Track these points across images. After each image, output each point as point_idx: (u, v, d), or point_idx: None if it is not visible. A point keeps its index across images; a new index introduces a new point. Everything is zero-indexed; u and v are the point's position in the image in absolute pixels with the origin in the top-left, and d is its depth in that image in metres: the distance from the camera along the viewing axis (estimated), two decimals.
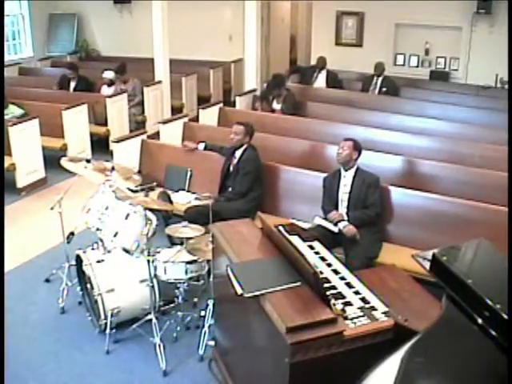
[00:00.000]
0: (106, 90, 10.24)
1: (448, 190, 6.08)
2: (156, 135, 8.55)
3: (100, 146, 9.65)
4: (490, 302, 2.45)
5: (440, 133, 7.97)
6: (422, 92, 10.54)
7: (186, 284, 5.00)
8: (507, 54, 9.89)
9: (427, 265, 3.01)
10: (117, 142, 7.39)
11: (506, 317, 2.35)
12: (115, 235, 4.84)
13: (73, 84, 10.54)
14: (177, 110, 10.81)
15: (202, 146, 6.92)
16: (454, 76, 11.79)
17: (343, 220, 5.43)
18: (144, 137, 7.60)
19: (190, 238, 4.89)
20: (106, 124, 9.70)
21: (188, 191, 6.80)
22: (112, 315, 4.81)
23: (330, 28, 12.67)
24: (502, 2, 10.87)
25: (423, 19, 11.57)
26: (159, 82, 10.48)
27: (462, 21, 11.35)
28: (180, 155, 7.02)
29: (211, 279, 4.59)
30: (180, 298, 5.04)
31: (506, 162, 6.78)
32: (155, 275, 4.86)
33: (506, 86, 10.97)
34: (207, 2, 12.94)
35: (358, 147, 5.64)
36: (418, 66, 12.15)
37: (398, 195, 5.75)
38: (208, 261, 4.72)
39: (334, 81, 10.91)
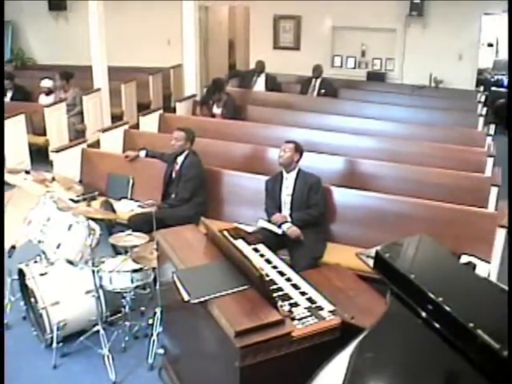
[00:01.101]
0: (44, 99, 10.02)
1: (390, 188, 6.20)
2: (96, 144, 8.42)
3: (39, 156, 9.43)
4: (432, 296, 2.49)
5: (378, 132, 8.11)
6: (359, 93, 10.72)
7: (132, 293, 4.93)
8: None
9: (371, 262, 3.04)
10: (56, 151, 7.24)
11: (448, 309, 2.39)
12: (58, 247, 4.75)
13: (9, 94, 10.27)
14: (117, 118, 10.66)
15: (143, 153, 6.85)
16: (390, 76, 12.07)
17: (287, 222, 5.46)
18: (84, 146, 7.47)
19: (135, 247, 4.84)
20: (44, 134, 9.49)
21: (131, 199, 6.72)
22: (58, 329, 4.71)
23: (267, 32, 12.77)
24: (432, 4, 11.22)
25: (359, 22, 11.82)
26: (98, 89, 10.33)
27: (396, 23, 11.64)
28: (121, 163, 6.93)
29: (158, 287, 4.55)
30: (127, 307, 4.97)
31: (442, 158, 6.98)
32: (101, 285, 4.79)
33: (441, 85, 11.29)
34: (144, 7, 12.86)
35: (299, 149, 5.68)
36: (355, 68, 12.39)
37: (339, 195, 5.82)
38: (154, 268, 4.67)
39: (273, 84, 10.97)
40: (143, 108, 10.80)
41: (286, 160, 5.62)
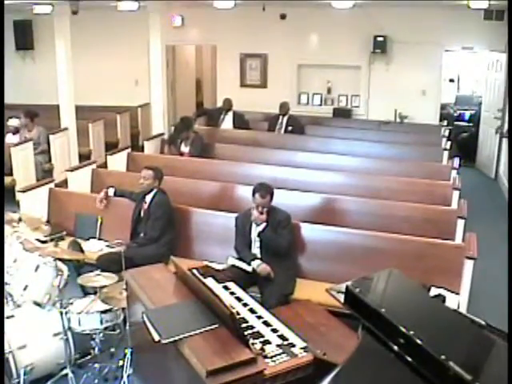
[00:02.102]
0: (11, 139, 9.93)
1: (358, 222, 6.25)
2: (64, 183, 8.34)
3: (6, 196, 9.29)
4: (403, 330, 2.50)
5: (346, 168, 8.16)
6: (326, 129, 10.86)
7: (101, 334, 4.85)
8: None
9: (341, 297, 3.05)
10: (23, 191, 7.15)
11: (420, 342, 2.40)
12: (25, 288, 4.68)
13: None
14: (84, 157, 10.61)
15: (111, 191, 6.79)
16: (356, 112, 12.25)
17: (256, 258, 5.45)
18: (52, 185, 7.39)
19: (104, 287, 4.78)
20: (11, 173, 9.39)
21: (99, 239, 6.65)
22: (25, 373, 4.58)
23: (234, 70, 12.90)
24: (395, 42, 11.50)
25: (324, 59, 12.03)
26: (65, 128, 10.29)
27: (361, 60, 11.88)
28: (89, 203, 6.87)
29: (127, 327, 4.49)
30: (96, 349, 4.88)
31: (409, 192, 7.06)
32: (69, 327, 4.71)
33: (405, 120, 11.49)
34: (112, 47, 12.91)
35: (272, 194, 5.64)
36: (321, 105, 12.55)
37: (308, 231, 5.84)
38: (123, 309, 4.62)
39: (240, 121, 11.03)
40: (111, 147, 10.76)
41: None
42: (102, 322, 4.71)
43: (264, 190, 5.50)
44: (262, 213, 5.48)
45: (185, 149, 9.21)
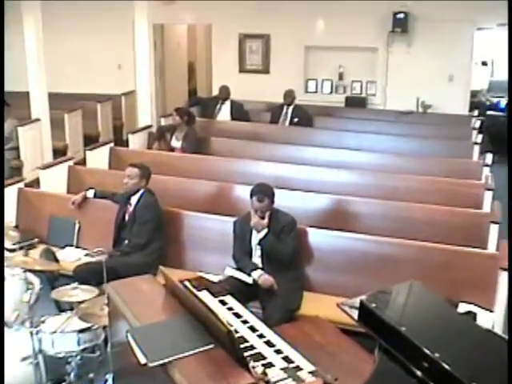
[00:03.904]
0: None
1: (375, 228, 6.24)
2: (35, 183, 8.34)
3: None
4: (427, 352, 2.49)
5: (360, 165, 8.17)
6: (337, 121, 10.86)
7: (78, 357, 4.83)
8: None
9: (355, 314, 3.05)
10: None
11: (446, 366, 2.39)
12: None
13: None
14: (59, 153, 10.61)
15: (91, 192, 6.80)
16: (372, 102, 12.25)
17: (258, 268, 5.45)
18: (21, 185, 7.39)
19: (82, 302, 4.77)
20: None
21: (77, 247, 6.65)
22: None
23: (232, 53, 12.91)
24: (418, 20, 11.42)
25: (336, 41, 12.00)
26: (37, 119, 10.25)
27: (378, 41, 11.84)
28: (65, 205, 6.85)
29: (109, 349, 4.47)
30: (72, 374, 4.85)
31: (434, 193, 7.05)
32: (40, 350, 4.68)
33: (429, 110, 11.45)
34: (91, 26, 12.93)
35: (272, 196, 5.63)
36: (331, 93, 12.57)
37: (317, 237, 5.83)
38: (104, 327, 4.61)
39: (239, 112, 11.03)
40: (91, 141, 10.77)
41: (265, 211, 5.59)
42: (79, 343, 4.69)
43: (261, 192, 5.48)
44: (262, 217, 5.47)
45: (176, 143, 9.21)
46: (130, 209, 6.19)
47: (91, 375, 5.09)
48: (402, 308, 3.17)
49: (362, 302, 2.98)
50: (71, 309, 4.92)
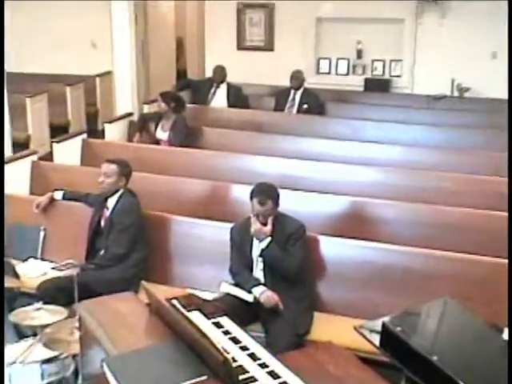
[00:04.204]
0: None
1: (399, 236, 6.26)
2: None
3: None
4: None
5: (382, 161, 8.17)
6: (354, 108, 10.88)
7: None
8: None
9: (376, 339, 3.05)
10: None
11: None
12: None
13: None
14: (20, 146, 10.59)
15: (59, 194, 6.80)
16: (397, 84, 12.20)
17: (259, 284, 5.44)
18: None
19: (47, 326, 4.76)
20: None
21: (42, 259, 6.65)
22: None
23: (229, 27, 12.89)
24: None
25: (353, 10, 11.92)
26: None
27: (404, 11, 11.77)
28: (28, 209, 6.86)
29: (80, 382, 4.48)
30: None
31: (470, 195, 7.03)
32: None
33: (467, 94, 11.39)
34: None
35: (276, 198, 5.62)
36: (348, 74, 12.54)
37: (330, 247, 5.83)
38: (74, 356, 4.60)
39: (237, 98, 11.05)
40: (59, 132, 10.76)
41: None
42: (43, 377, 4.65)
43: (264, 193, 5.47)
44: (264, 223, 5.47)
45: (162, 135, 9.21)
46: (107, 213, 6.19)
47: None
48: (434, 332, 3.17)
49: (384, 326, 2.98)
50: (34, 334, 4.91)
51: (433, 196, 7.06)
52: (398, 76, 12.25)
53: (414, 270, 5.55)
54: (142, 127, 9.58)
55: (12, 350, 4.80)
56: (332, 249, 5.83)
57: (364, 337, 3.17)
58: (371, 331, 3.13)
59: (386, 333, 2.95)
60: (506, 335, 4.84)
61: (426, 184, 7.35)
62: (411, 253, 5.67)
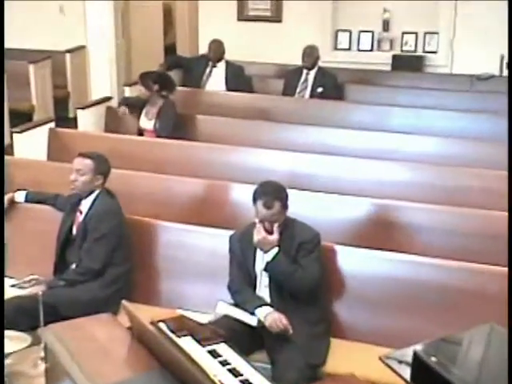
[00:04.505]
0: None
1: (435, 246, 6.27)
2: None
3: None
4: None
5: (414, 155, 8.19)
6: (380, 90, 10.92)
7: None
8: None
9: (406, 371, 3.05)
10: None
11: None
12: None
13: None
14: None
15: (21, 196, 6.81)
16: (432, 62, 12.19)
17: (264, 305, 5.45)
18: None
19: (7, 356, 4.77)
20: None
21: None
22: None
23: None
24: None
25: None
26: None
27: None
28: None
29: None
30: None
31: None
32: None
33: None
34: None
35: (284, 199, 5.63)
36: (372, 50, 12.52)
37: (350, 259, 5.83)
38: None
39: (237, 79, 11.09)
40: (20, 120, 10.78)
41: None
42: None
43: (269, 194, 5.46)
44: (270, 231, 5.48)
45: (147, 124, 9.23)
46: (80, 218, 6.20)
47: None
48: (477, 365, 3.17)
49: (416, 355, 2.98)
50: None
51: (476, 199, 7.05)
52: (433, 52, 12.23)
53: (452, 289, 5.53)
54: (125, 104, 9.57)
55: None
56: (351, 261, 5.82)
57: (391, 369, 3.17)
58: (400, 362, 3.13)
59: (417, 364, 2.95)
60: None
61: (468, 184, 7.34)
62: (449, 267, 5.65)
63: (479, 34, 11.61)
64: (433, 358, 2.91)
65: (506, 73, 11.47)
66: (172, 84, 9.56)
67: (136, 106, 9.36)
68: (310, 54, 10.69)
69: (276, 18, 12.75)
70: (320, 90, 10.58)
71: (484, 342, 3.23)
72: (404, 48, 12.37)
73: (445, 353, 3.04)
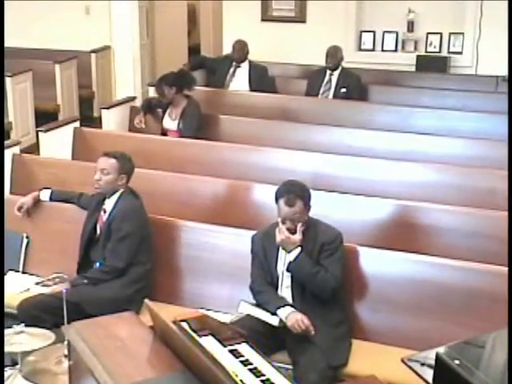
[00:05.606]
0: None
1: (460, 248, 6.23)
2: None
3: None
4: None
5: (438, 157, 8.15)
6: (404, 91, 10.87)
7: None
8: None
9: (429, 374, 3.03)
10: None
11: None
12: None
13: None
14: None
15: (45, 194, 6.82)
16: (457, 63, 12.11)
17: (286, 305, 5.44)
18: None
19: (30, 353, 4.78)
20: None
21: (24, 272, 6.68)
22: None
23: None
24: None
25: None
26: None
27: None
28: (10, 211, 6.89)
29: None
30: None
31: None
32: None
33: None
34: None
35: (307, 199, 5.62)
36: (396, 50, 12.47)
37: (372, 261, 5.82)
38: None
39: (261, 79, 11.06)
40: (46, 119, 10.80)
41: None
42: None
43: (292, 193, 5.44)
44: (293, 231, 5.47)
45: (170, 124, 9.23)
46: (104, 217, 6.21)
47: None
48: (501, 368, 3.15)
49: (439, 358, 2.97)
50: (13, 364, 4.93)
51: (500, 200, 7.02)
52: (458, 53, 12.15)
53: (473, 291, 5.51)
54: (147, 109, 9.57)
55: None
56: (374, 263, 5.82)
57: (414, 371, 3.16)
58: (422, 364, 3.11)
59: (440, 367, 2.94)
60: None
61: (492, 185, 7.30)
62: (472, 269, 5.63)
63: (505, 34, 11.51)
64: (456, 361, 2.89)
65: None
66: (190, 80, 9.45)
67: (159, 107, 9.36)
68: (334, 55, 10.66)
69: (300, 18, 12.73)
70: (343, 90, 10.55)
71: (507, 346, 3.20)
72: (428, 49, 12.31)
73: (468, 356, 3.02)
